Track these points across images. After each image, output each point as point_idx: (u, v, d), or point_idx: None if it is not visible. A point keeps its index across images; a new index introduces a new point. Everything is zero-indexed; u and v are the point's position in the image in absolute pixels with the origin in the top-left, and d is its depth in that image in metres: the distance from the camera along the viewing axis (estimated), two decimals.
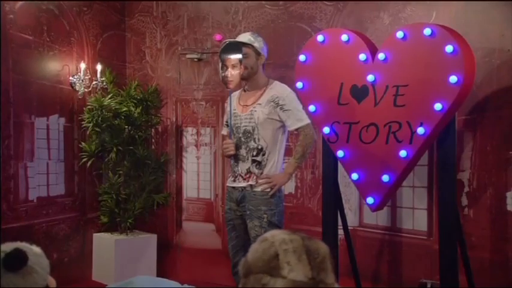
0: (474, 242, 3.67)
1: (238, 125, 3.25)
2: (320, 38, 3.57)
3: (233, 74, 3.21)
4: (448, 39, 3.15)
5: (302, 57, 3.61)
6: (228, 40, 3.36)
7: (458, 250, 3.39)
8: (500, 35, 3.64)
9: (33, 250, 1.54)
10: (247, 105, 3.26)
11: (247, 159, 3.21)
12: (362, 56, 3.42)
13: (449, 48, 3.12)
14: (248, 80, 3.31)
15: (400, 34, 3.29)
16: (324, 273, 1.30)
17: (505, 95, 3.65)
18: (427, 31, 3.20)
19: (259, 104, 3.23)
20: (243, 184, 3.22)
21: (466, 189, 3.80)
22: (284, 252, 1.29)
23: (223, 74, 3.24)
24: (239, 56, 3.18)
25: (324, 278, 1.30)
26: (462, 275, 3.47)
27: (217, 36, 4.72)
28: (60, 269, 4.39)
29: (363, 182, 3.46)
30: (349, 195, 4.04)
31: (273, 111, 3.20)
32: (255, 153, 3.20)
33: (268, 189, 3.16)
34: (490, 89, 3.69)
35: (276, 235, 1.35)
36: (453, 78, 3.12)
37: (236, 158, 3.25)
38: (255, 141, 3.21)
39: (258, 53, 3.27)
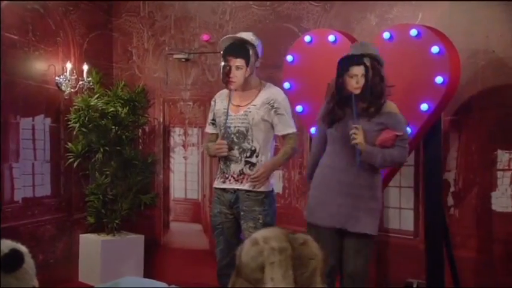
0: (460, 241, 3.70)
1: (229, 125, 3.15)
2: (307, 38, 3.58)
3: (237, 75, 3.10)
4: (434, 40, 3.18)
5: (289, 58, 3.62)
6: (233, 36, 3.19)
7: (444, 250, 3.42)
8: (485, 36, 3.67)
9: (23, 249, 1.53)
10: (240, 106, 3.16)
11: (241, 160, 3.14)
12: None
13: (435, 49, 3.15)
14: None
15: (386, 35, 3.31)
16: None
17: (490, 96, 3.69)
18: (413, 32, 3.23)
19: (254, 105, 3.14)
20: (235, 186, 3.15)
21: (452, 189, 3.83)
22: (270, 265, 1.27)
23: (225, 74, 3.11)
24: (247, 57, 3.08)
25: None
26: (448, 274, 3.50)
27: (205, 36, 4.71)
28: (46, 270, 4.35)
29: None
30: None
31: (267, 113, 3.12)
32: (248, 154, 3.13)
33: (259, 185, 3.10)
34: (475, 90, 3.72)
35: (268, 240, 1.31)
36: (439, 79, 3.15)
37: (227, 158, 3.16)
38: (248, 142, 3.13)
39: (257, 55, 3.18)
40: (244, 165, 3.13)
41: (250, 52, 3.10)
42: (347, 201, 2.97)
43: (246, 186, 3.11)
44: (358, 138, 2.88)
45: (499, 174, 3.64)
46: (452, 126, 3.80)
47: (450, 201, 3.82)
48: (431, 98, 3.18)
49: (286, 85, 3.63)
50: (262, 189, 3.11)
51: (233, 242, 3.15)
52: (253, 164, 3.13)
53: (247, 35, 3.17)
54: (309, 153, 3.79)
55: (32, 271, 1.51)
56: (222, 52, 3.15)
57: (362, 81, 2.89)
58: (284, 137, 3.17)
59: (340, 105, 2.98)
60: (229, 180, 3.17)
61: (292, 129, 3.16)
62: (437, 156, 3.34)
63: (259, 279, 1.26)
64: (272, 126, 3.16)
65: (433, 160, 3.31)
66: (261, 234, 1.36)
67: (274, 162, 3.16)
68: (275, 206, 3.24)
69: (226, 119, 3.13)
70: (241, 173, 3.14)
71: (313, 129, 3.56)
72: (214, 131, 3.32)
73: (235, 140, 3.14)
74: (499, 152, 3.65)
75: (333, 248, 2.99)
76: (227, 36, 3.23)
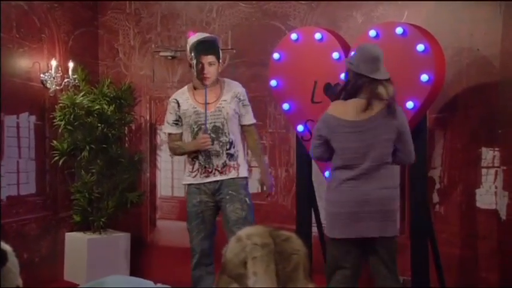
0: (445, 238, 3.74)
1: (203, 122, 3.30)
2: (294, 36, 3.59)
3: (210, 70, 3.30)
4: (420, 38, 3.20)
5: (276, 56, 3.62)
6: (202, 36, 3.39)
7: (429, 246, 3.45)
8: (470, 34, 3.70)
9: (7, 248, 1.51)
10: (209, 103, 3.32)
11: (222, 153, 3.33)
12: (335, 55, 3.45)
13: (420, 47, 3.17)
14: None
15: (372, 33, 3.33)
16: (294, 282, 1.30)
17: (474, 94, 3.72)
18: (399, 30, 3.24)
19: (225, 100, 3.35)
20: (219, 178, 3.33)
21: (437, 186, 3.86)
22: (253, 261, 1.28)
23: (199, 71, 3.30)
24: (218, 53, 3.31)
25: (292, 287, 1.29)
26: (433, 271, 3.53)
27: (191, 34, 4.69)
28: (31, 269, 4.32)
29: None
30: (322, 193, 4.05)
31: (237, 106, 3.38)
32: (228, 147, 3.33)
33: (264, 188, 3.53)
34: (460, 88, 3.76)
35: (251, 237, 1.33)
36: (424, 77, 3.17)
37: (207, 154, 3.31)
38: (226, 135, 3.33)
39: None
40: (226, 157, 3.34)
41: (219, 48, 3.35)
42: (368, 209, 2.98)
43: (230, 176, 3.34)
44: None
45: (484, 171, 3.68)
46: (437, 124, 3.83)
47: (435, 198, 3.86)
48: (417, 96, 3.20)
49: (273, 83, 3.64)
50: (244, 175, 3.39)
51: (212, 229, 3.40)
52: (232, 155, 3.35)
53: (205, 34, 3.43)
54: (295, 151, 3.81)
55: (15, 270, 1.49)
56: (190, 50, 3.33)
57: None
58: (248, 126, 3.45)
59: None
60: (214, 173, 3.34)
61: (254, 120, 3.49)
62: (422, 153, 3.36)
63: (242, 274, 1.27)
64: (239, 117, 3.41)
65: (418, 157, 3.32)
66: (244, 231, 1.37)
67: (264, 166, 3.53)
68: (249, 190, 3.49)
69: (206, 117, 3.28)
70: (225, 165, 3.34)
71: (300, 127, 3.57)
72: (178, 131, 3.43)
73: (213, 135, 3.31)
74: (484, 149, 3.69)
75: (354, 256, 3.04)
76: (193, 36, 3.40)
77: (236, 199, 3.32)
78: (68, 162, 4.63)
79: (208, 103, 3.31)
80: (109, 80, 4.80)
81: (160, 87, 4.91)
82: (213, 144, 3.29)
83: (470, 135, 3.75)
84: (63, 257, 4.67)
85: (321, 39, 3.50)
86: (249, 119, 3.45)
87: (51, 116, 4.57)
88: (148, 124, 4.96)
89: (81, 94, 4.56)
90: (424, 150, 3.40)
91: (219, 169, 3.33)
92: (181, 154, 3.52)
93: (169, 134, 3.47)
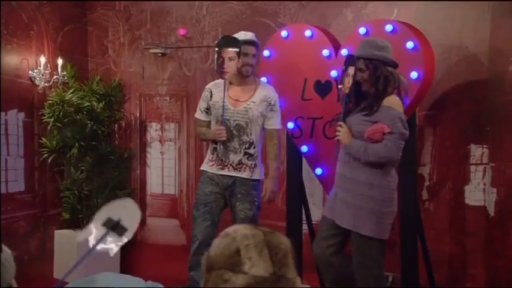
0: (434, 235, 3.76)
1: (228, 118, 3.38)
2: (284, 33, 3.59)
3: (230, 65, 3.33)
4: (409, 35, 3.21)
5: (266, 53, 3.62)
6: (227, 35, 3.47)
7: (418, 243, 3.47)
8: (459, 32, 3.73)
9: (4, 247, 1.51)
10: (239, 101, 3.40)
11: (240, 151, 3.39)
12: (325, 52, 3.46)
13: (410, 45, 3.19)
14: (242, 76, 3.41)
15: (362, 30, 3.34)
16: (286, 268, 1.31)
17: (463, 91, 3.75)
18: (388, 27, 3.25)
19: (254, 101, 3.39)
20: (233, 173, 3.41)
21: (427, 183, 3.89)
22: (245, 247, 1.30)
23: (219, 65, 3.35)
24: (239, 48, 3.32)
25: (285, 272, 1.30)
26: (422, 267, 3.55)
27: (181, 31, 4.69)
28: (20, 267, 4.24)
29: (326, 176, 3.50)
30: (313, 190, 4.07)
31: (265, 109, 3.40)
32: (247, 146, 3.40)
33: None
34: (449, 85, 3.78)
35: (238, 230, 1.35)
36: (414, 74, 3.18)
37: (226, 148, 3.39)
38: (247, 135, 3.39)
39: (256, 54, 3.44)
40: (243, 155, 3.39)
41: (253, 50, 3.37)
42: (344, 195, 2.98)
43: (244, 174, 3.40)
44: (341, 134, 2.95)
45: (472, 168, 3.71)
46: (426, 121, 3.85)
47: (425, 195, 3.88)
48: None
49: (263, 80, 3.63)
50: (258, 177, 3.44)
51: (217, 220, 3.46)
52: (250, 155, 3.41)
53: (250, 35, 3.45)
54: (286, 148, 3.81)
55: (12, 269, 1.49)
56: (216, 45, 3.39)
57: (351, 80, 2.93)
58: (270, 130, 3.45)
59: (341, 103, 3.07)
60: (228, 168, 3.41)
61: (280, 126, 3.48)
62: (412, 150, 3.38)
63: (236, 262, 1.28)
64: (264, 121, 3.43)
65: (408, 155, 3.34)
66: (229, 228, 1.39)
67: (273, 173, 3.48)
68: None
69: (223, 111, 3.34)
70: (240, 162, 3.40)
71: (290, 124, 3.57)
72: (207, 119, 3.51)
73: (235, 132, 3.39)
74: (472, 146, 3.72)
75: (331, 236, 3.05)
76: (225, 35, 3.53)
77: (247, 199, 3.40)
78: (57, 160, 4.60)
79: (238, 100, 3.40)
80: (98, 77, 4.77)
81: (150, 84, 4.89)
82: (233, 141, 3.37)
83: (459, 132, 3.77)
84: (52, 255, 4.65)
85: (311, 37, 3.51)
86: (273, 123, 3.43)
87: (40, 113, 4.54)
88: (138, 121, 4.94)
89: (71, 91, 4.53)
90: (414, 147, 3.42)
91: (234, 165, 3.40)
92: (203, 140, 3.74)
93: (198, 119, 3.58)
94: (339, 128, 2.98)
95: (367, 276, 2.97)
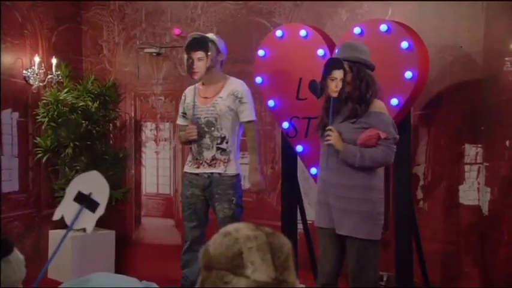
0: (428, 234, 3.77)
1: (199, 116, 3.46)
2: (279, 33, 3.59)
3: (199, 65, 3.42)
4: (404, 35, 3.22)
5: (261, 52, 3.62)
6: (194, 34, 3.55)
7: (413, 242, 3.48)
8: (453, 31, 3.74)
9: (17, 252, 1.54)
10: (207, 98, 3.48)
11: (212, 147, 3.45)
12: (320, 52, 3.46)
13: (404, 44, 3.19)
14: (207, 74, 3.45)
15: (357, 30, 3.34)
16: (287, 272, 1.30)
17: (458, 91, 3.76)
18: (383, 27, 3.26)
19: (221, 97, 3.45)
20: (208, 170, 3.45)
21: (421, 182, 3.90)
22: (248, 250, 1.28)
23: (189, 66, 3.45)
24: (206, 49, 3.41)
25: (286, 277, 1.29)
26: (417, 266, 3.56)
27: (176, 31, 4.68)
28: None
29: None
30: (308, 189, 4.07)
31: (232, 103, 3.43)
32: (219, 142, 3.45)
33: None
34: (443, 85, 3.79)
35: (240, 230, 1.33)
36: (408, 74, 3.19)
37: (200, 146, 3.47)
38: (218, 130, 3.45)
39: (218, 50, 3.47)
40: (216, 151, 3.44)
41: (209, 45, 3.42)
42: (337, 202, 2.94)
43: (218, 169, 3.43)
44: (332, 139, 2.89)
45: (467, 167, 3.72)
46: (421, 121, 3.86)
47: (419, 194, 3.89)
48: (401, 93, 3.22)
49: (258, 80, 3.64)
50: (233, 172, 3.44)
51: (203, 219, 3.56)
52: (223, 150, 3.45)
53: (208, 34, 3.53)
54: (281, 148, 3.82)
55: (19, 273, 1.51)
56: (184, 48, 3.49)
57: (340, 84, 2.89)
58: (246, 123, 3.48)
59: (324, 108, 3.00)
60: (203, 165, 3.47)
61: (252, 118, 3.49)
62: (406, 150, 3.39)
63: (238, 265, 1.27)
64: (237, 115, 3.46)
65: (402, 154, 3.35)
66: (231, 226, 1.36)
67: (254, 164, 3.49)
68: (242, 187, 3.56)
69: (193, 110, 3.45)
70: (214, 158, 3.45)
71: (285, 124, 3.58)
72: (185, 123, 3.58)
73: (206, 129, 3.45)
74: (467, 146, 3.73)
75: (332, 251, 3.01)
76: (190, 35, 3.55)
77: (224, 199, 3.43)
78: (52, 160, 4.59)
79: (207, 97, 3.48)
80: (93, 77, 4.76)
81: (145, 83, 4.88)
82: (205, 138, 3.44)
83: (454, 132, 3.79)
84: (47, 255, 4.63)
85: (306, 36, 3.51)
86: (246, 116, 3.46)
87: (34, 112, 4.53)
88: (133, 121, 4.93)
89: (65, 91, 4.52)
90: (408, 147, 3.43)
91: (208, 162, 3.45)
92: (183, 143, 3.82)
93: (178, 124, 3.70)
94: (329, 133, 2.90)
95: (366, 278, 2.95)
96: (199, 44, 3.43)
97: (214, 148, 3.45)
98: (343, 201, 2.93)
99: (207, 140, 3.45)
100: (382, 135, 2.85)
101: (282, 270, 1.28)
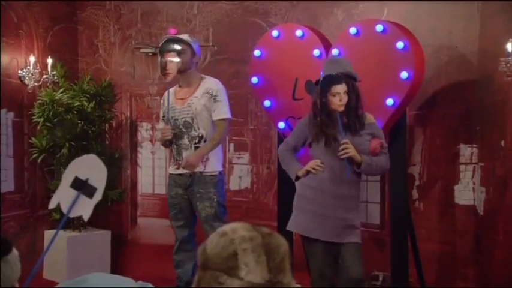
0: (424, 234, 3.78)
1: (177, 117, 3.51)
2: (275, 33, 3.59)
3: (171, 67, 3.50)
4: (399, 35, 3.23)
5: (257, 52, 3.63)
6: (168, 35, 3.61)
7: (408, 242, 3.49)
8: (449, 32, 3.75)
9: (14, 251, 1.53)
10: (184, 99, 3.53)
11: (191, 147, 3.48)
12: (316, 52, 3.47)
13: (400, 45, 3.20)
14: (182, 75, 3.54)
15: (353, 30, 3.35)
16: (282, 274, 1.30)
17: (453, 91, 3.77)
18: (379, 27, 3.27)
19: (196, 96, 3.51)
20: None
21: (417, 182, 3.90)
22: (243, 252, 1.28)
23: (162, 67, 3.54)
24: (178, 51, 3.48)
25: (281, 279, 1.29)
26: (412, 266, 3.57)
27: (172, 31, 4.65)
28: None
29: None
30: None
31: (207, 101, 3.47)
32: (197, 141, 3.47)
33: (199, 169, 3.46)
34: (439, 85, 3.80)
35: (236, 230, 1.33)
36: (404, 74, 3.20)
37: (179, 147, 3.51)
38: (195, 130, 3.48)
39: (193, 52, 3.53)
40: (194, 150, 3.46)
41: (182, 47, 3.48)
42: (343, 214, 3.02)
43: (197, 168, 3.45)
44: (352, 151, 2.94)
45: (462, 167, 3.73)
46: (417, 121, 3.87)
47: (415, 194, 3.90)
48: (397, 93, 3.23)
49: (254, 80, 3.64)
50: (214, 170, 3.47)
51: (190, 217, 3.59)
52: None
53: (183, 35, 3.58)
54: (277, 148, 3.82)
55: (17, 271, 1.50)
56: (159, 51, 3.58)
57: (345, 98, 2.96)
58: (217, 121, 3.47)
59: (327, 123, 3.01)
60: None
61: (225, 115, 3.48)
62: (402, 150, 3.40)
63: (233, 266, 1.27)
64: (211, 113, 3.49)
65: (398, 154, 3.36)
66: (229, 226, 1.37)
67: (202, 150, 3.45)
68: (225, 188, 3.63)
69: (168, 112, 3.51)
70: None
71: (281, 124, 3.58)
72: (162, 126, 3.63)
73: (184, 129, 3.50)
74: (462, 146, 3.74)
75: (329, 260, 3.07)
76: (164, 36, 3.64)
77: (205, 197, 3.46)
78: (47, 160, 4.58)
79: (182, 98, 3.53)
80: (89, 77, 4.75)
81: (140, 84, 4.88)
82: (183, 138, 3.48)
83: (449, 132, 3.80)
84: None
85: (302, 36, 3.51)
86: (218, 114, 3.47)
87: (29, 112, 4.52)
88: (129, 121, 4.92)
89: (61, 91, 4.51)
90: (404, 147, 3.43)
91: None
92: (163, 146, 3.79)
93: (159, 128, 3.72)
94: (347, 146, 2.93)
95: (362, 280, 3.04)
96: (171, 46, 3.50)
97: (193, 148, 3.47)
98: (351, 213, 3.03)
99: (185, 141, 3.49)
100: (385, 144, 3.05)
101: (276, 272, 1.28)
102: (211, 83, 3.53)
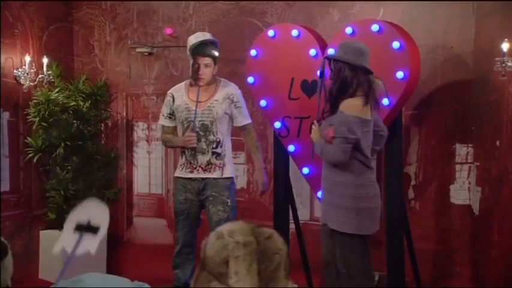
0: (420, 233, 3.79)
1: (192, 119, 3.37)
2: (271, 33, 3.59)
3: (206, 72, 3.36)
4: (395, 35, 3.23)
5: (253, 52, 3.63)
6: (200, 36, 3.43)
7: (404, 242, 3.49)
8: (444, 32, 3.76)
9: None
10: (201, 101, 3.38)
11: (208, 151, 3.40)
12: (312, 52, 3.47)
13: (396, 45, 3.21)
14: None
15: (349, 30, 3.35)
16: (275, 281, 1.29)
17: (449, 91, 3.78)
18: (374, 27, 3.27)
19: (216, 100, 3.41)
20: (203, 175, 3.41)
21: (413, 182, 3.91)
22: (235, 260, 1.27)
23: (194, 71, 3.37)
24: (214, 56, 3.36)
25: (274, 286, 1.29)
26: (408, 265, 3.57)
27: (168, 30, 4.67)
28: None
29: (313, 176, 3.51)
30: (300, 189, 4.08)
31: (228, 107, 3.41)
32: (214, 146, 3.40)
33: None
34: (435, 85, 3.81)
35: (233, 234, 1.31)
36: (400, 74, 3.20)
37: (194, 150, 3.39)
38: (213, 134, 3.40)
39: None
40: (212, 155, 3.40)
41: (219, 52, 3.38)
42: (325, 196, 3.08)
43: (214, 175, 3.40)
44: (312, 132, 3.07)
45: (458, 167, 3.74)
46: (412, 121, 3.88)
47: (411, 194, 3.91)
48: (393, 93, 3.23)
49: (250, 79, 3.64)
50: (228, 175, 3.43)
51: (195, 224, 3.53)
52: (218, 154, 3.41)
53: (207, 35, 3.46)
54: (273, 148, 3.82)
55: (10, 270, 1.50)
56: (189, 50, 3.38)
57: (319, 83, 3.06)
58: (243, 127, 3.50)
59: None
60: (198, 170, 3.42)
61: (249, 120, 3.51)
62: (398, 150, 3.40)
63: (223, 273, 1.26)
64: (231, 119, 3.45)
65: (394, 154, 3.37)
66: (226, 227, 1.36)
67: (259, 164, 3.53)
68: (235, 190, 3.57)
69: (195, 115, 3.35)
70: (209, 163, 3.41)
71: (277, 124, 3.58)
72: (171, 124, 3.52)
73: (201, 133, 3.39)
74: (457, 145, 3.75)
75: (327, 243, 3.09)
76: (196, 34, 3.46)
77: (219, 201, 3.39)
78: (43, 159, 4.56)
79: (200, 101, 3.38)
80: (84, 76, 4.74)
81: (136, 83, 4.87)
82: (200, 142, 3.37)
83: (445, 132, 3.81)
84: (38, 255, 4.61)
85: (298, 36, 3.51)
86: (243, 120, 3.47)
87: (25, 112, 4.50)
88: (124, 121, 4.91)
89: (56, 90, 4.50)
90: (400, 146, 3.44)
91: (203, 166, 3.40)
92: (170, 147, 3.73)
93: (162, 125, 3.57)
94: (312, 127, 3.08)
95: (344, 270, 3.01)
96: (209, 50, 3.35)
97: (210, 153, 3.40)
98: (332, 195, 3.02)
99: (202, 144, 3.38)
100: (331, 134, 2.90)
101: (268, 280, 1.27)
102: (232, 88, 3.46)
